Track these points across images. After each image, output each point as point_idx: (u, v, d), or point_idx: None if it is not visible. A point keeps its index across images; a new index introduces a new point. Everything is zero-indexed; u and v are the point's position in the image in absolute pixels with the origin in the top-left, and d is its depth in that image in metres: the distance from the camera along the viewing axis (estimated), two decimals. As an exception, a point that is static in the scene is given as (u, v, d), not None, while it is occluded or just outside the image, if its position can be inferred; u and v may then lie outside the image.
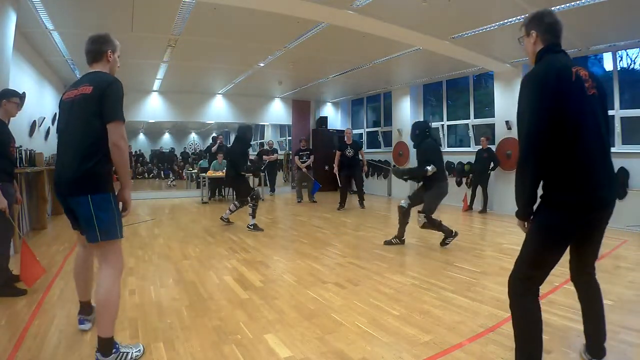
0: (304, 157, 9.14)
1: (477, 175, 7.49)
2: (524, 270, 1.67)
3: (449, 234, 4.46)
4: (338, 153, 7.79)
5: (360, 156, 7.94)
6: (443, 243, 4.51)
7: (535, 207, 1.64)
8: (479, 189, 7.47)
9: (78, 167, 1.88)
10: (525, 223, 1.68)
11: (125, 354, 1.95)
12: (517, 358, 1.67)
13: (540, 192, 1.64)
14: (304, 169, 9.07)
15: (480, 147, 7.47)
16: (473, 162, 7.65)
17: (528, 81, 1.61)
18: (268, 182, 10.61)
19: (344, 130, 12.24)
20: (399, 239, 4.66)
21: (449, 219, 6.84)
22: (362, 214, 7.41)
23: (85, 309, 2.33)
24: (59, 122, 2.11)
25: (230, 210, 5.98)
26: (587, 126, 1.56)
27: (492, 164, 7.25)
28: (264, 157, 10.36)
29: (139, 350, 2.04)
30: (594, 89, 1.63)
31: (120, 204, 2.03)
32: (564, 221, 1.58)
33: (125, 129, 1.96)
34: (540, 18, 1.76)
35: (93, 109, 1.90)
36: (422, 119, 9.80)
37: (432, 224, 4.40)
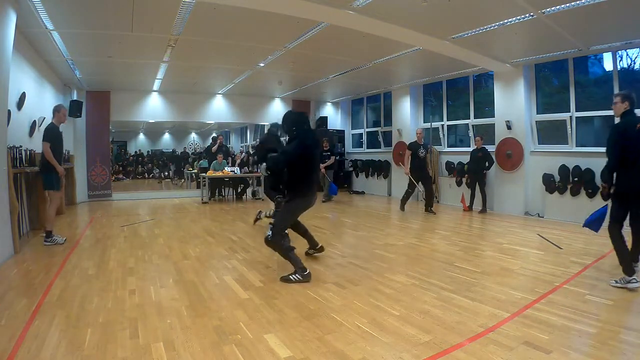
0: (325, 159, 9.15)
1: (472, 175, 7.54)
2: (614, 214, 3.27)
3: (298, 265, 3.31)
4: (408, 153, 7.38)
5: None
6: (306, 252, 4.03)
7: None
8: (477, 189, 7.47)
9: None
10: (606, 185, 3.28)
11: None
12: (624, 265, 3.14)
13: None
14: (323, 170, 9.08)
15: (474, 147, 7.54)
16: (469, 162, 7.70)
17: (615, 129, 3.20)
18: None
19: (343, 131, 12.41)
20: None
21: (450, 219, 6.85)
22: (363, 214, 7.41)
23: None
24: None
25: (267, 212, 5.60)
26: (636, 153, 3.07)
27: (487, 164, 7.27)
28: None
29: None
30: None
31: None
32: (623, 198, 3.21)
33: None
34: (633, 96, 3.20)
35: None
36: (422, 119, 9.81)
37: (275, 244, 3.33)
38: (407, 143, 9.66)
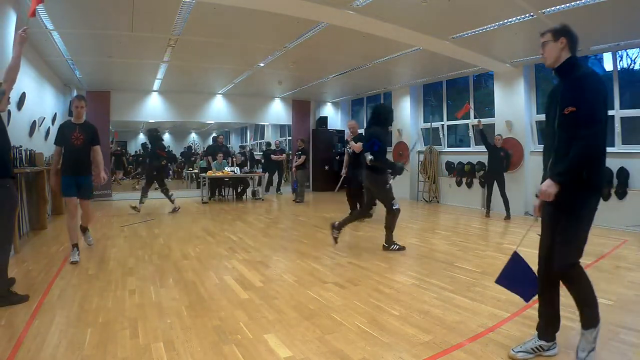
0: (295, 158, 9.22)
1: (492, 175, 6.78)
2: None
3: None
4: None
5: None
6: None
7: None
8: (495, 192, 6.76)
9: None
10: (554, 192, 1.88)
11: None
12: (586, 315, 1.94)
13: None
14: (293, 169, 9.15)
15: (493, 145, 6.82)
16: (487, 161, 6.93)
17: (597, 78, 1.89)
18: (273, 182, 10.79)
19: (343, 131, 12.39)
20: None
21: (450, 219, 6.84)
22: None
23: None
24: None
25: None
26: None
27: (506, 164, 6.71)
28: (271, 156, 10.37)
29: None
30: None
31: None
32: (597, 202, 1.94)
33: (55, 150, 3.94)
34: (570, 30, 1.99)
35: None
36: (422, 119, 9.81)
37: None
38: (406, 143, 9.77)
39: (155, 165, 7.36)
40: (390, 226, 4.37)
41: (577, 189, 1.87)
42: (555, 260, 1.96)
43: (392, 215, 4.32)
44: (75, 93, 8.75)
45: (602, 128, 1.84)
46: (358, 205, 6.01)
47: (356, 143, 5.74)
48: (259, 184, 10.39)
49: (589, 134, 1.80)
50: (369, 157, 4.18)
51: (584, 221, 1.91)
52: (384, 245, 4.42)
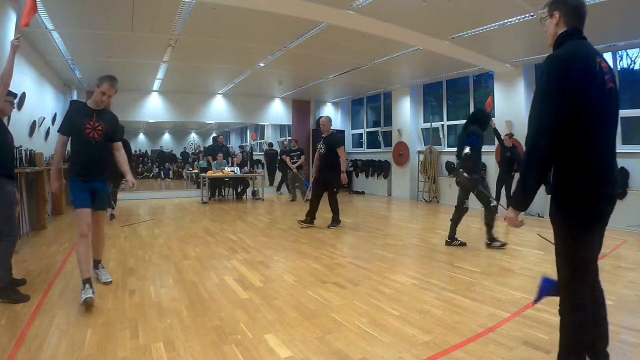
0: (295, 158, 9.17)
1: (501, 175, 6.80)
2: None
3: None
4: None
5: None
6: None
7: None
8: (503, 192, 6.74)
9: None
10: (518, 217, 1.62)
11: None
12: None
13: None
14: (295, 170, 9.11)
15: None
16: (499, 160, 6.98)
17: (552, 62, 1.52)
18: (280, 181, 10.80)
19: (343, 131, 12.42)
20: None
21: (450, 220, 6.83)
22: (363, 214, 7.40)
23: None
24: None
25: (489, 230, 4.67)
26: (599, 121, 1.51)
27: (515, 165, 6.58)
28: (283, 157, 10.33)
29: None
30: (611, 82, 1.58)
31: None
32: (581, 215, 1.54)
33: (58, 139, 2.94)
34: (566, 0, 1.62)
35: None
36: (422, 119, 9.81)
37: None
38: (406, 143, 9.78)
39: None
40: (490, 223, 4.57)
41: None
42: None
43: (489, 212, 4.55)
44: (75, 93, 8.74)
45: (542, 124, 1.49)
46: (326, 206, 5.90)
47: (327, 144, 5.70)
48: (271, 183, 10.33)
49: (527, 136, 1.54)
50: (467, 150, 4.36)
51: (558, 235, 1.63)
52: (486, 242, 4.60)
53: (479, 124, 4.51)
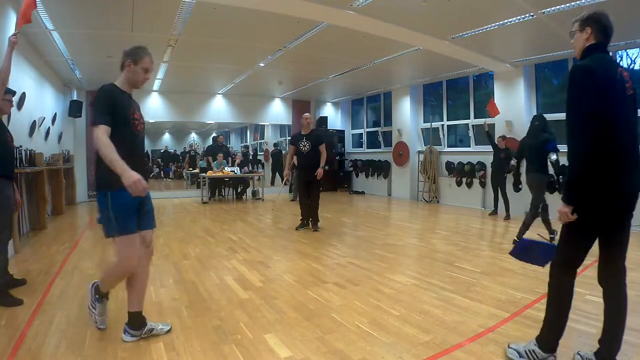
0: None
1: (494, 176, 7.00)
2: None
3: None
4: (292, 148, 5.76)
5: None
6: None
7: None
8: (498, 193, 6.94)
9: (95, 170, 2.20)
10: (570, 211, 1.78)
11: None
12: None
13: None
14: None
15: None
16: (492, 161, 7.08)
17: (583, 71, 1.71)
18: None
19: (343, 131, 12.43)
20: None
21: (450, 219, 6.83)
22: (363, 214, 7.41)
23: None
24: None
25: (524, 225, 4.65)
26: (620, 125, 1.69)
27: (506, 165, 6.63)
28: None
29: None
30: (632, 89, 1.79)
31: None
32: (595, 211, 1.75)
33: (101, 130, 1.95)
34: (598, 18, 1.81)
35: None
36: (422, 119, 9.81)
37: None
38: (406, 143, 9.78)
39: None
40: (527, 223, 4.60)
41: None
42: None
43: (532, 215, 4.61)
44: (75, 93, 8.74)
45: (581, 127, 1.67)
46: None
47: (313, 141, 5.46)
48: (273, 183, 10.26)
49: (568, 139, 1.73)
50: (554, 157, 4.52)
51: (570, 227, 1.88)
52: (514, 239, 4.73)
53: (547, 129, 4.69)
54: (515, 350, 1.98)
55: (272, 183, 11.60)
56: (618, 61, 6.14)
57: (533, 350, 1.92)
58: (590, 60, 1.75)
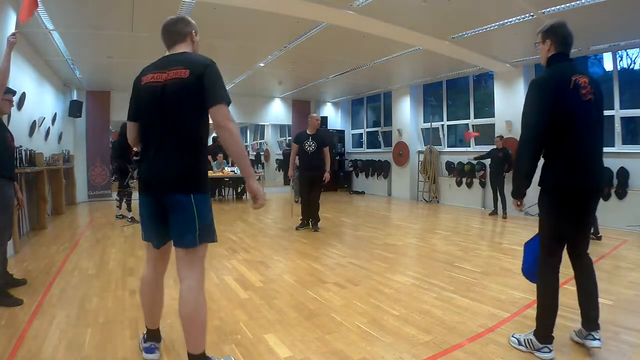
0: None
1: (493, 176, 7.07)
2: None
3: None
4: (295, 147, 5.65)
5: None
6: None
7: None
8: (497, 191, 7.04)
9: (183, 163, 1.71)
10: (519, 202, 2.15)
11: None
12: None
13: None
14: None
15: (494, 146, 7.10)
16: (490, 162, 7.22)
17: (535, 85, 1.97)
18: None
19: (343, 131, 12.42)
20: None
21: (450, 219, 6.84)
22: (363, 214, 7.41)
23: (156, 336, 2.09)
24: (144, 110, 1.77)
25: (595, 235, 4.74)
26: (578, 127, 1.91)
27: (506, 166, 6.79)
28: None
29: None
30: (591, 94, 1.94)
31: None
32: (559, 202, 2.00)
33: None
34: (556, 30, 2.01)
35: (193, 95, 1.66)
36: (422, 119, 9.82)
37: None
38: (406, 143, 9.78)
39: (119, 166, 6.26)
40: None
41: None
42: None
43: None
44: (75, 93, 8.74)
45: (526, 140, 1.96)
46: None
47: (319, 141, 5.43)
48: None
49: (517, 146, 2.05)
50: None
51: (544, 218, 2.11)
52: None
53: None
54: (516, 339, 2.15)
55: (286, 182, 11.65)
56: (617, 61, 6.14)
57: (530, 340, 2.07)
58: (548, 71, 1.99)
